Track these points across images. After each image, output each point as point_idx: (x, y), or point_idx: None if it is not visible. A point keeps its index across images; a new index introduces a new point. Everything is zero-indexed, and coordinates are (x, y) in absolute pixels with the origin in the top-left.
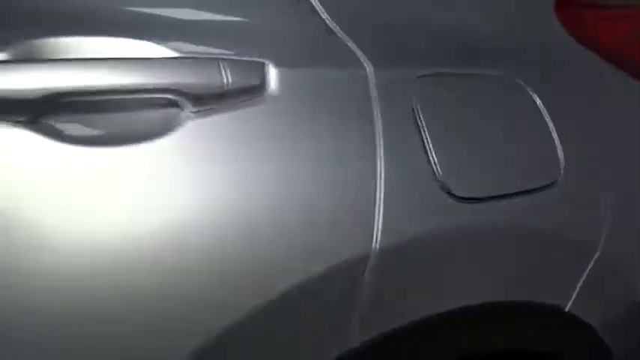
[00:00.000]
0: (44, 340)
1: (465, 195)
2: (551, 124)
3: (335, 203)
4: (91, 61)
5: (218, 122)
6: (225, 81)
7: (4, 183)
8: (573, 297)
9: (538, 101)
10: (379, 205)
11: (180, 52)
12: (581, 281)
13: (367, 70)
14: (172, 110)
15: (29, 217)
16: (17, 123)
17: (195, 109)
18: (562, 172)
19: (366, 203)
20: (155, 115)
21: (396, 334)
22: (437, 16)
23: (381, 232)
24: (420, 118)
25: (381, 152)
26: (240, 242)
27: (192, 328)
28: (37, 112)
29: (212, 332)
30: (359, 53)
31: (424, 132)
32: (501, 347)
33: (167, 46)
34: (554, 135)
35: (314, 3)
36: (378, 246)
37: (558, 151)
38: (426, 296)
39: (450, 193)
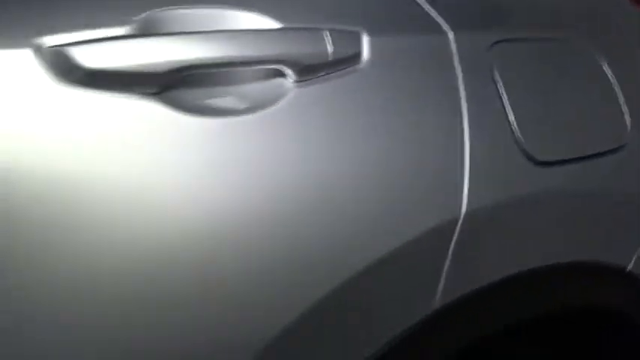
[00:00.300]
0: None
1: (544, 159)
2: (617, 88)
3: (426, 170)
4: (208, 34)
5: (321, 92)
6: (329, 51)
7: (134, 151)
8: (635, 258)
9: (604, 65)
10: (466, 171)
11: (280, 22)
12: None
13: (449, 36)
14: (280, 80)
15: (155, 183)
16: (144, 95)
17: (300, 79)
18: (629, 135)
19: (455, 169)
20: (264, 85)
21: (474, 296)
22: None
23: (468, 198)
24: (499, 83)
25: (465, 120)
26: (344, 208)
27: (293, 293)
28: (163, 85)
29: (314, 297)
30: (440, 20)
31: (504, 97)
32: (571, 305)
33: (267, 17)
34: (621, 98)
35: None
36: (465, 211)
37: (625, 114)
38: (506, 258)
39: (530, 158)
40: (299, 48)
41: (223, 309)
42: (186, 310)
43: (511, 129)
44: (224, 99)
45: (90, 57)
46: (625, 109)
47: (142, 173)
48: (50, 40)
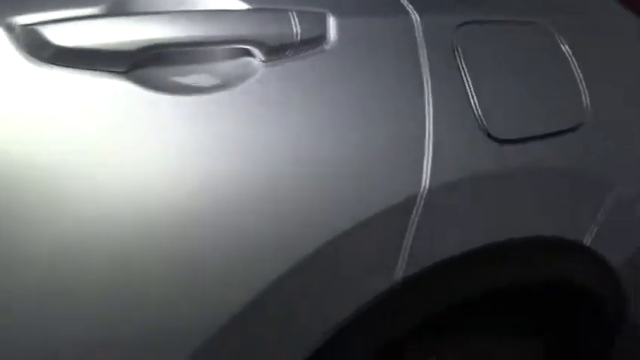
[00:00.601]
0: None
1: (505, 137)
2: (576, 69)
3: (389, 148)
4: (177, 14)
5: (288, 71)
6: (295, 31)
7: (103, 129)
8: (593, 234)
9: (566, 47)
10: (429, 148)
11: (248, 3)
12: (599, 219)
13: (413, 18)
14: (248, 60)
15: (123, 161)
16: (115, 73)
17: (268, 59)
18: (587, 115)
19: (417, 147)
20: (232, 64)
21: (435, 270)
22: None
23: (430, 175)
24: (462, 64)
25: (429, 99)
26: (307, 184)
27: (254, 272)
28: (132, 63)
29: (274, 274)
30: (405, 2)
31: (466, 78)
32: (532, 279)
33: None
34: (580, 79)
35: None
36: (426, 187)
37: (583, 96)
38: (467, 233)
39: (490, 135)
40: (266, 28)
41: (206, 279)
42: (165, 285)
43: (473, 108)
44: (193, 77)
45: (61, 35)
46: (583, 90)
47: (112, 150)
48: (22, 19)
